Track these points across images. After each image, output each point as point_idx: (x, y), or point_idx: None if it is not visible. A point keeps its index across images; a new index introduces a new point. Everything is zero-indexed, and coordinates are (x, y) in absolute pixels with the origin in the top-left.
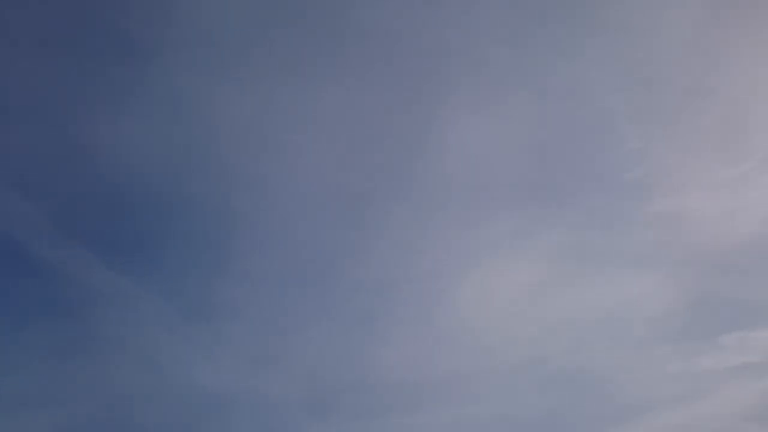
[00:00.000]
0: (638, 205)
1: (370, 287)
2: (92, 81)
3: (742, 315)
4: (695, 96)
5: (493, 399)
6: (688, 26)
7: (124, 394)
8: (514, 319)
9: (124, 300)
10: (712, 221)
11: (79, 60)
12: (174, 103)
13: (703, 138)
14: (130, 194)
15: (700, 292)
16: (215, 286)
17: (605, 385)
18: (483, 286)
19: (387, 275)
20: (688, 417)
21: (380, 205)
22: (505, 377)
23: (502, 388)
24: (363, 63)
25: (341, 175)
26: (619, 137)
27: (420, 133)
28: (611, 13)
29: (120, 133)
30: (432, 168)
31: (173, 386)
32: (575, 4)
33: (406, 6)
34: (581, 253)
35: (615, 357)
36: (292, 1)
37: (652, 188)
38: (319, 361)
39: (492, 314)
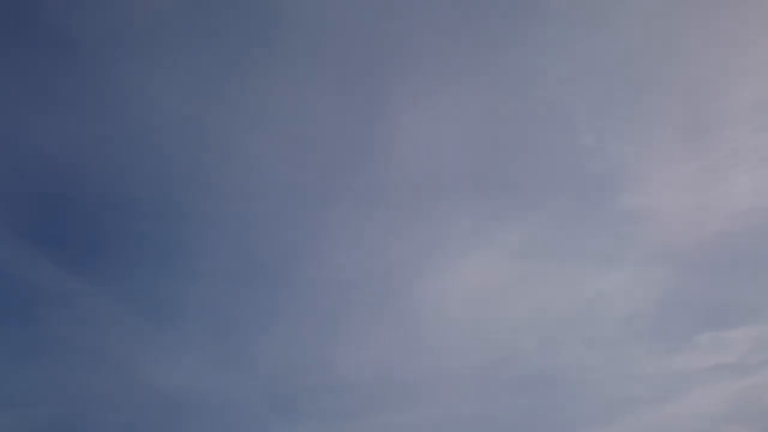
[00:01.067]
0: (602, 201)
1: (330, 287)
2: (26, 76)
3: (715, 314)
4: (655, 88)
5: (464, 399)
6: (645, 16)
7: (82, 397)
8: (482, 318)
9: (77, 300)
10: (679, 217)
11: (11, 57)
12: (112, 98)
13: (666, 132)
14: (76, 193)
15: (671, 291)
16: (170, 286)
17: (578, 385)
18: (447, 285)
19: (346, 274)
20: (664, 418)
21: (334, 203)
22: (476, 377)
23: (473, 388)
24: (309, 58)
25: (291, 172)
26: (576, 131)
27: (370, 129)
28: (563, 4)
29: (62, 131)
30: (385, 164)
31: (133, 387)
32: None
33: (352, 0)
34: (547, 251)
35: (587, 356)
36: None
37: (615, 184)
38: (284, 361)
39: (460, 313)
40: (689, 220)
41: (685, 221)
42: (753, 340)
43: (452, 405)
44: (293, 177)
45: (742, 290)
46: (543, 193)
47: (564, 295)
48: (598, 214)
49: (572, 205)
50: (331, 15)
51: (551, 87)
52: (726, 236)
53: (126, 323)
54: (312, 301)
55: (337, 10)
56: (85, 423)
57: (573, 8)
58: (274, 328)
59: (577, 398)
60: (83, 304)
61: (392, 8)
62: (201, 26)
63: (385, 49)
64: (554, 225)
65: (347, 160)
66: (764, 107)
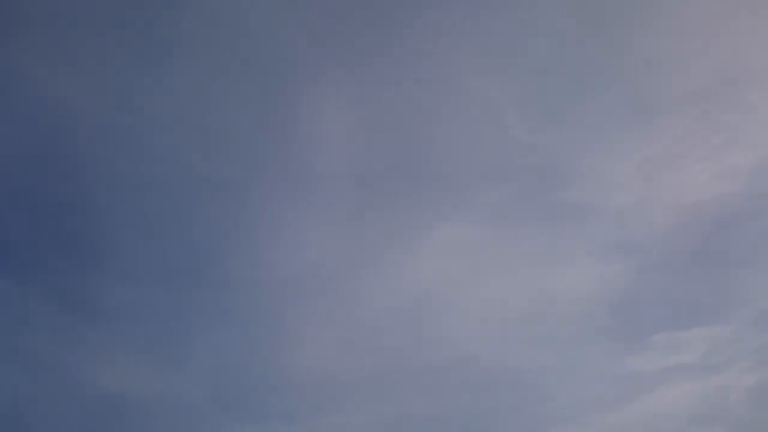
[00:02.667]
0: (544, 195)
1: (269, 285)
2: None
3: (672, 313)
4: (592, 78)
5: (417, 399)
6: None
7: (13, 399)
8: (433, 316)
9: (3, 301)
10: (628, 211)
11: None
12: (18, 96)
13: (607, 122)
14: None
15: (625, 289)
16: (98, 286)
17: (535, 385)
18: (393, 282)
19: (285, 272)
20: (627, 419)
21: (263, 198)
22: (429, 376)
23: (426, 388)
24: (224, 50)
25: (211, 166)
26: (506, 125)
27: (293, 122)
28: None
29: None
30: (311, 159)
31: (68, 389)
32: None
33: None
34: (491, 247)
35: (542, 357)
36: None
37: (557, 177)
38: (228, 361)
39: (409, 311)
40: (638, 214)
41: (634, 215)
42: (711, 340)
43: (405, 405)
44: (214, 172)
45: (697, 288)
46: (479, 188)
47: (515, 293)
48: (542, 209)
49: (513, 201)
50: (245, 7)
51: (477, 79)
52: (673, 232)
53: (56, 324)
54: (252, 299)
55: (260, 3)
56: (18, 427)
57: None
58: (215, 327)
59: (535, 399)
60: (9, 305)
61: (313, 2)
62: (106, 20)
63: (304, 40)
64: (496, 221)
65: (271, 154)
66: (710, 94)
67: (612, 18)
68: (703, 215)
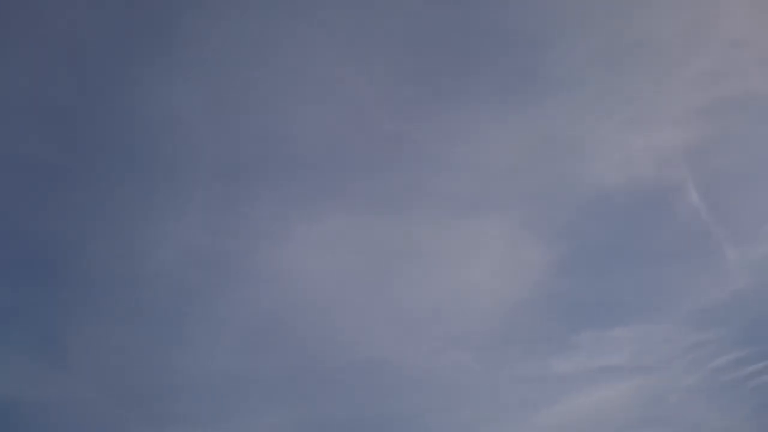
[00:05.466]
0: (433, 188)
1: (154, 283)
2: None
3: (594, 312)
4: (463, 62)
5: (330, 401)
6: None
7: None
8: (334, 315)
9: None
10: (527, 203)
11: None
12: None
13: (486, 106)
14: None
15: (541, 285)
16: None
17: (452, 387)
18: (283, 279)
19: (157, 267)
20: (552, 420)
21: (120, 191)
22: (343, 378)
23: (340, 390)
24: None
25: (57, 156)
26: (373, 118)
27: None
28: None
29: None
30: (168, 148)
31: None
32: None
33: None
34: (385, 242)
35: (458, 358)
36: None
37: (444, 170)
38: (125, 362)
39: (308, 310)
40: (541, 204)
41: (538, 206)
42: (640, 340)
43: (318, 408)
44: (53, 157)
45: (619, 284)
46: (357, 179)
47: (422, 291)
48: (433, 201)
49: (400, 191)
50: None
51: (334, 67)
52: (590, 224)
53: None
54: (132, 296)
55: None
56: None
57: None
58: (103, 326)
59: (455, 401)
60: None
61: None
62: None
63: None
64: (385, 213)
65: (115, 138)
66: (612, 63)
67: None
68: (615, 206)
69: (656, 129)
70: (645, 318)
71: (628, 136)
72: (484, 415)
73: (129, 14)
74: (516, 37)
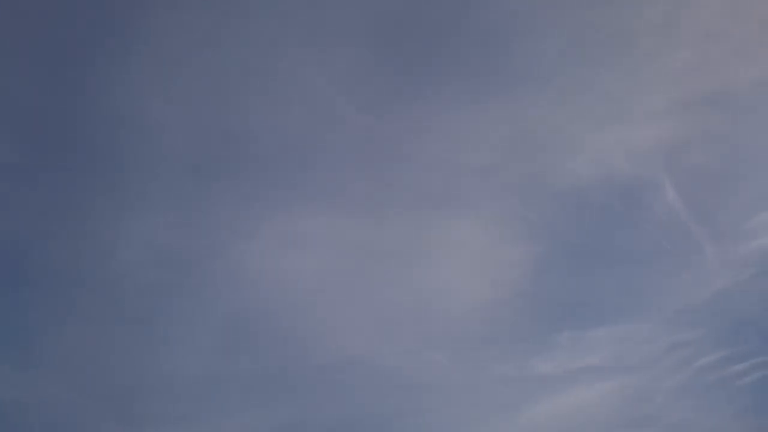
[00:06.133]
0: (408, 186)
1: (123, 282)
2: None
3: (573, 312)
4: (433, 52)
5: (308, 402)
6: None
7: None
8: (310, 314)
9: None
10: (502, 199)
11: None
12: None
13: (453, 93)
14: None
15: (518, 285)
16: None
17: (432, 388)
18: (257, 280)
19: (123, 267)
20: (535, 421)
21: (79, 188)
22: (321, 378)
23: (320, 390)
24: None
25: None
26: (328, 103)
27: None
28: None
29: None
30: (127, 142)
31: None
32: None
33: None
34: (361, 240)
35: (437, 358)
36: None
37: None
38: (99, 362)
39: (284, 309)
40: (525, 199)
41: (520, 201)
42: (622, 341)
43: (293, 408)
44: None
45: (600, 284)
46: (330, 178)
47: (398, 291)
48: (407, 199)
49: (372, 191)
50: None
51: (302, 64)
52: (568, 221)
53: None
54: (99, 296)
55: None
56: None
57: None
58: (73, 326)
59: (436, 402)
60: None
61: None
62: None
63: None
64: (357, 211)
65: (74, 136)
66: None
67: None
68: (594, 204)
69: (633, 125)
70: (626, 317)
71: (604, 133)
72: (463, 415)
73: (91, 10)
74: (488, 31)
